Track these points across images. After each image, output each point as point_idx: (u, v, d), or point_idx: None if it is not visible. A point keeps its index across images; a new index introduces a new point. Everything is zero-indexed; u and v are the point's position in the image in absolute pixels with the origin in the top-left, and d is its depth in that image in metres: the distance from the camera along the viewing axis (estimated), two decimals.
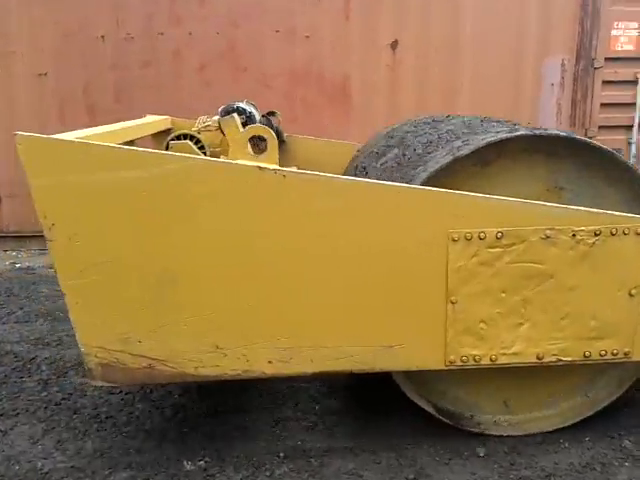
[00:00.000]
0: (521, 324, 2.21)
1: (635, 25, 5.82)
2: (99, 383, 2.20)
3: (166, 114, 5.88)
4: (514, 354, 2.24)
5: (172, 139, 3.52)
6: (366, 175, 2.76)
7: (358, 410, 2.80)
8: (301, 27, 5.80)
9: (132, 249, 2.08)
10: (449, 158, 2.19)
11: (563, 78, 5.86)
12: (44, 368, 3.31)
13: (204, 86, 5.85)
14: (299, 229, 2.10)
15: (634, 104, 5.92)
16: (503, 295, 2.18)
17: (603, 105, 5.88)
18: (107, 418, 2.77)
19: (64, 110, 5.84)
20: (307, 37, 5.82)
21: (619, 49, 5.85)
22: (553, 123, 5.85)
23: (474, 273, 2.15)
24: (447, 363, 2.23)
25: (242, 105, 3.54)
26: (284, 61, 5.83)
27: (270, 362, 2.20)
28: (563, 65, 5.84)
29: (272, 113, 3.83)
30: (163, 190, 2.04)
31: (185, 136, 3.56)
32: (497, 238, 2.12)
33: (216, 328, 2.17)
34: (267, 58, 5.83)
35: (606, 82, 5.85)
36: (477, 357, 2.23)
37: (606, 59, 5.81)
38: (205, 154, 3.42)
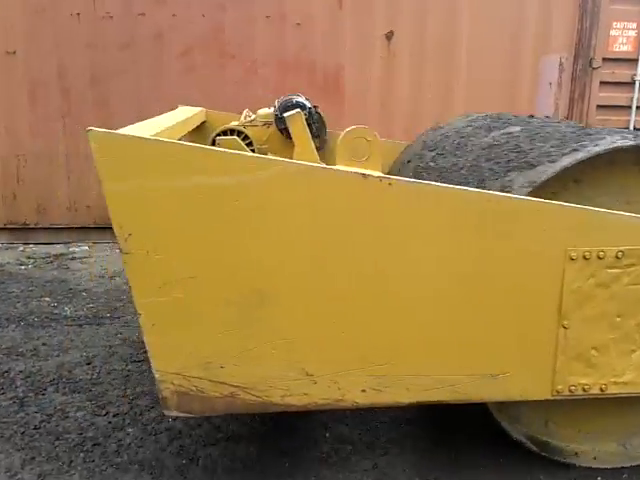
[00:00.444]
0: (634, 351, 2.06)
1: (634, 26, 5.70)
2: (173, 413, 1.96)
3: (146, 101, 5.58)
4: (625, 383, 2.08)
5: (218, 134, 3.20)
6: (440, 178, 2.51)
7: (372, 438, 2.58)
8: (292, 13, 5.49)
9: (217, 264, 1.84)
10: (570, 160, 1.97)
11: (561, 77, 5.72)
12: (19, 384, 2.99)
13: (187, 72, 5.51)
14: (403, 244, 1.89)
15: (629, 107, 5.83)
16: (618, 320, 2.02)
17: (599, 107, 5.76)
18: (94, 446, 2.48)
19: (35, 93, 5.43)
20: (298, 24, 5.52)
21: (617, 49, 5.73)
22: None
23: (590, 296, 1.98)
24: (554, 393, 2.06)
25: (302, 100, 3.23)
26: (274, 49, 5.52)
27: (364, 391, 1.99)
28: (561, 64, 5.70)
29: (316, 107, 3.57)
30: (255, 197, 1.80)
31: (232, 131, 3.24)
32: (617, 258, 1.95)
33: (307, 353, 1.95)
34: (256, 45, 5.52)
35: (604, 83, 5.73)
36: (586, 386, 2.07)
37: (604, 59, 5.69)
38: (253, 151, 3.12)
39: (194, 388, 1.92)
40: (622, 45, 5.73)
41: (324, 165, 2.03)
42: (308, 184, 1.81)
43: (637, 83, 5.78)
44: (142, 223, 1.76)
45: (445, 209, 1.87)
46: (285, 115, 2.96)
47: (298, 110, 2.92)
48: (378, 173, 1.92)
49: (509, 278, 1.94)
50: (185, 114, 3.11)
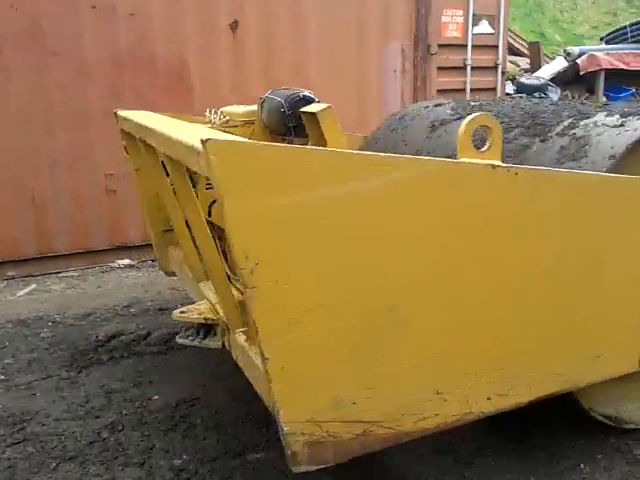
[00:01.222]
0: None
1: (460, 12, 6.01)
2: (303, 468, 1.68)
3: None
4: None
5: None
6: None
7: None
8: (123, 3, 4.78)
9: (349, 285, 1.63)
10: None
11: (404, 64, 5.84)
12: None
13: None
14: (526, 237, 1.81)
15: (464, 90, 6.18)
16: None
17: (439, 91, 6.01)
18: None
19: None
20: (132, 15, 4.83)
21: (449, 36, 6.00)
22: (397, 109, 5.80)
23: None
24: None
25: (308, 93, 2.88)
26: (105, 44, 4.77)
27: (489, 399, 1.90)
28: (403, 51, 5.81)
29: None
30: (396, 201, 1.61)
31: None
32: None
33: (437, 370, 1.81)
34: (83, 40, 4.70)
35: (441, 68, 5.98)
36: None
37: (439, 45, 5.93)
38: None
39: (326, 434, 1.67)
40: (453, 31, 6.01)
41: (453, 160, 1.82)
42: (449, 181, 1.66)
43: (468, 67, 6.14)
44: (271, 246, 1.49)
45: (568, 194, 1.84)
46: (315, 111, 2.56)
47: (329, 106, 2.61)
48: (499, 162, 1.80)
49: (626, 260, 2.01)
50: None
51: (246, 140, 1.53)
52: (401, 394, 1.77)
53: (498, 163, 1.74)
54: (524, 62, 11.12)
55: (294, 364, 1.59)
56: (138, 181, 2.92)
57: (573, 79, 9.28)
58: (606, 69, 9.21)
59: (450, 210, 1.68)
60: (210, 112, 3.13)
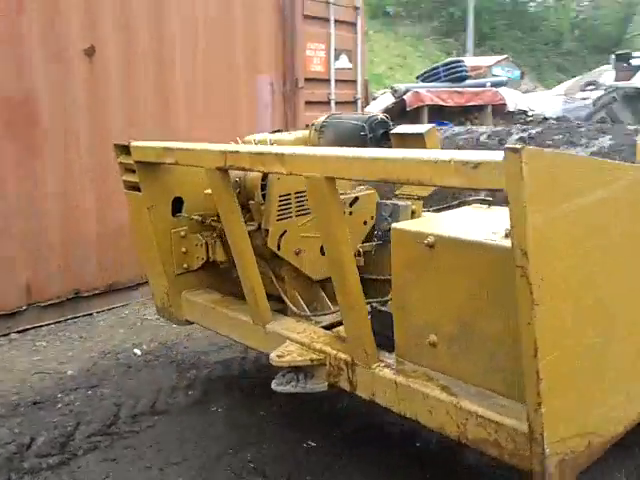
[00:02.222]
0: None
1: (323, 47, 5.95)
2: None
3: None
4: None
5: None
6: None
7: None
8: None
9: (613, 296, 1.73)
10: None
11: (274, 98, 5.56)
12: None
13: None
14: None
15: None
16: None
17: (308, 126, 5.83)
18: None
19: None
20: None
21: (313, 70, 5.89)
22: None
23: None
24: None
25: (382, 116, 2.82)
26: None
27: None
28: (272, 85, 5.54)
29: None
30: None
31: None
32: None
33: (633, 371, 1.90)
34: None
35: (308, 102, 5.83)
36: None
37: (306, 79, 5.77)
38: None
39: (569, 450, 1.62)
40: (317, 65, 5.92)
41: None
42: None
43: (332, 102, 6.08)
44: (559, 259, 1.52)
45: None
46: (423, 131, 2.49)
47: (433, 125, 2.61)
48: None
49: None
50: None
51: (545, 149, 1.53)
52: (610, 400, 1.80)
53: None
54: None
55: (568, 377, 1.61)
56: (150, 220, 2.79)
57: (400, 114, 9.87)
58: (428, 105, 9.97)
59: None
60: (254, 140, 2.94)
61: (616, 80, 7.53)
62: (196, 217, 2.88)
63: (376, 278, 2.65)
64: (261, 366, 3.52)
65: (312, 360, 2.23)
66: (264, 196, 2.68)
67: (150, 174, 2.75)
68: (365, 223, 2.86)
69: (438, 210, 2.66)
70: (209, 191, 2.70)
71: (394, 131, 2.59)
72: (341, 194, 2.78)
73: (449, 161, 1.55)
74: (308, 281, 2.80)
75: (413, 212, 2.45)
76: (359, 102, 6.44)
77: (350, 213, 2.80)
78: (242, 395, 3.26)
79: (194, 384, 3.40)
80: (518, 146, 1.38)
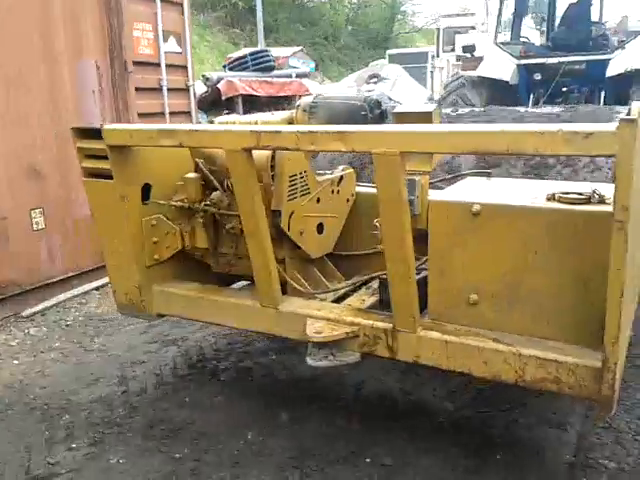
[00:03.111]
0: None
1: (150, 27, 5.33)
2: None
3: None
4: None
5: None
6: None
7: None
8: None
9: None
10: None
11: (101, 83, 4.81)
12: None
13: None
14: None
15: (163, 113, 5.51)
16: None
17: (140, 115, 5.18)
18: None
19: None
20: None
21: (142, 52, 5.25)
22: None
23: None
24: None
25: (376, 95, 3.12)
26: None
27: None
28: (98, 69, 4.78)
29: None
30: None
31: None
32: None
33: None
34: None
35: (138, 89, 5.17)
36: None
37: (135, 63, 5.10)
38: None
39: None
40: (145, 48, 5.29)
41: None
42: None
43: (164, 88, 5.51)
44: None
45: None
46: (432, 110, 2.43)
47: (436, 105, 2.77)
48: None
49: None
50: None
51: None
52: None
53: None
54: None
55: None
56: (124, 208, 2.65)
57: (216, 103, 9.48)
58: (242, 94, 9.71)
59: None
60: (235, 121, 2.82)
61: (463, 69, 8.21)
62: (178, 203, 2.75)
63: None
64: (150, 399, 3.02)
65: (347, 333, 2.31)
66: (272, 177, 2.66)
67: (122, 160, 2.59)
68: (348, 200, 3.02)
69: (432, 184, 2.74)
70: (191, 175, 2.71)
71: (396, 110, 2.56)
72: (328, 173, 2.94)
73: (557, 132, 1.69)
74: (304, 261, 2.87)
75: (422, 185, 2.50)
76: (192, 89, 5.95)
77: (337, 192, 2.93)
78: (140, 436, 2.73)
79: (74, 433, 2.76)
80: (633, 117, 1.59)
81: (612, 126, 1.64)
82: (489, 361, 2.04)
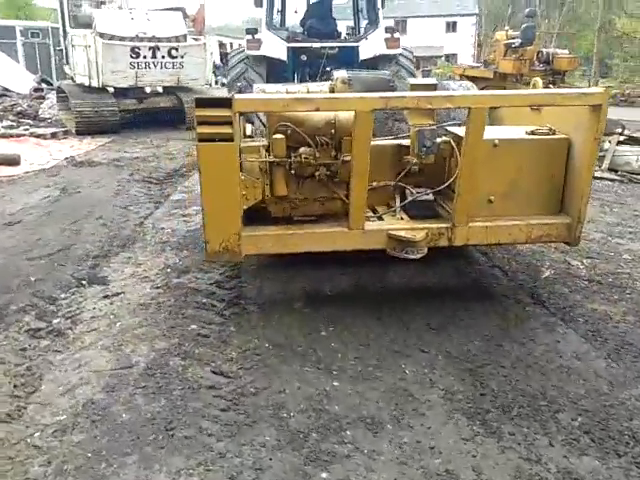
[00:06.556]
0: None
1: None
2: None
3: None
4: None
5: None
6: None
7: None
8: None
9: None
10: None
11: None
12: None
13: None
14: None
15: None
16: None
17: None
18: None
19: None
20: None
21: None
22: None
23: None
24: None
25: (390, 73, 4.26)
26: None
27: None
28: None
29: None
30: None
31: None
32: None
33: None
34: None
35: None
36: None
37: None
38: None
39: None
40: None
41: None
42: None
43: None
44: None
45: None
46: (436, 83, 4.15)
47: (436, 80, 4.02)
48: None
49: None
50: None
51: None
52: None
53: None
54: None
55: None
56: (237, 166, 3.12)
57: None
58: None
59: None
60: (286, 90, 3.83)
61: (248, 49, 9.19)
62: (271, 158, 3.37)
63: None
64: None
65: (427, 234, 3.37)
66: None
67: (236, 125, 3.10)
68: None
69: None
70: (278, 136, 3.35)
71: (411, 82, 3.91)
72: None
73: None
74: None
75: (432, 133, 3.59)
76: None
77: None
78: None
79: None
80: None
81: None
82: (512, 233, 3.46)
